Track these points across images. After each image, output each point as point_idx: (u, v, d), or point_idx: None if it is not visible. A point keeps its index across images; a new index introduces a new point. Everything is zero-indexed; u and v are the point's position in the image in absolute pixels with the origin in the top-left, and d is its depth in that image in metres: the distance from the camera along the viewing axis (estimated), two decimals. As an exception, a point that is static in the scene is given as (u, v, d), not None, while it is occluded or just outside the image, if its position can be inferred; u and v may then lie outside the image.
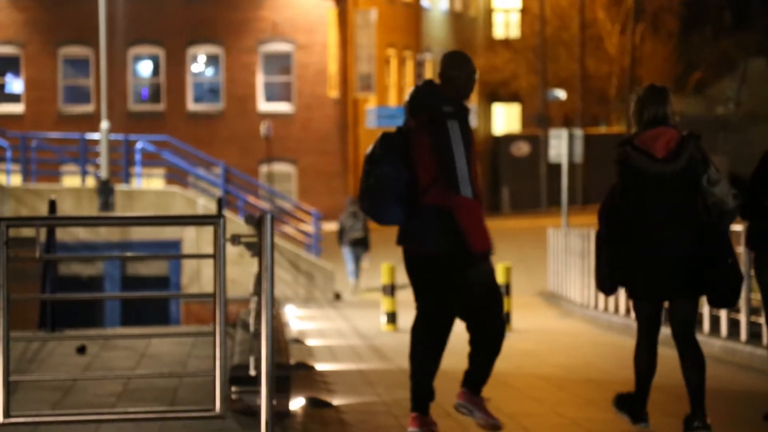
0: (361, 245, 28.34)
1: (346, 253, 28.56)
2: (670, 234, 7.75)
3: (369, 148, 7.54)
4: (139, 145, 32.34)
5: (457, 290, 7.45)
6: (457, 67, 7.39)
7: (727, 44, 51.88)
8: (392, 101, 49.55)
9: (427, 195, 7.31)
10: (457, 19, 55.04)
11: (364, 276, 28.93)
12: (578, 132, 33.87)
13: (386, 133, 7.42)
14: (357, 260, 28.47)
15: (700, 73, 53.31)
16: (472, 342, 7.64)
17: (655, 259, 7.76)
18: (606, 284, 7.95)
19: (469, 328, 7.59)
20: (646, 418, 8.07)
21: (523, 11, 57.42)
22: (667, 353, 11.46)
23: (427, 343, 7.54)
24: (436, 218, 7.34)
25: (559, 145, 31.77)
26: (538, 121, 52.51)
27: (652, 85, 7.97)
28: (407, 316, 19.33)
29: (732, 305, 7.97)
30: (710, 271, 7.76)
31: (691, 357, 7.94)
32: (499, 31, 58.41)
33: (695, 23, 54.42)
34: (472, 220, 7.29)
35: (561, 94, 52.96)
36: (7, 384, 7.72)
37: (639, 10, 53.91)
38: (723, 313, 14.72)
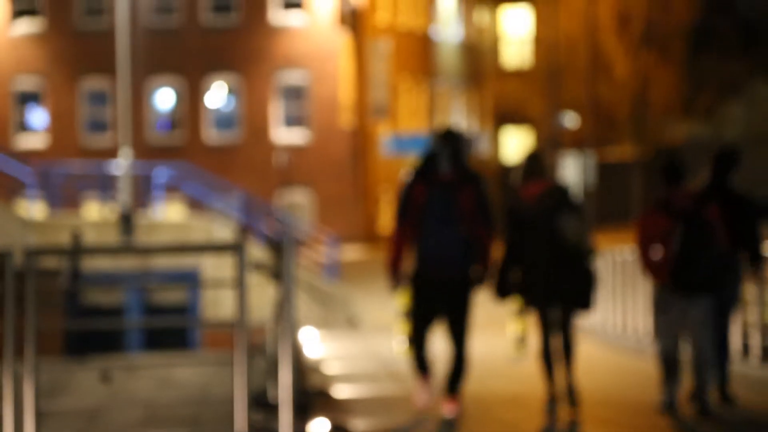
0: None
1: None
2: (540, 259, 10.36)
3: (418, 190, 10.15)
4: (159, 175, 32.67)
5: (456, 305, 9.97)
6: (464, 143, 10.18)
7: (735, 67, 52.07)
8: (405, 128, 49.84)
9: (461, 229, 9.93)
10: (469, 48, 55.34)
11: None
12: (590, 159, 34.09)
13: (430, 183, 10.09)
14: None
15: (709, 96, 53.47)
16: (453, 351, 10.04)
17: (532, 277, 10.39)
18: (500, 293, 10.54)
19: (453, 335, 10.04)
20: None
21: (534, 41, 57.68)
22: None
23: (423, 345, 10.12)
24: (464, 249, 9.94)
25: (571, 170, 32.07)
26: (550, 146, 52.75)
27: (531, 153, 10.69)
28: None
29: (586, 308, 10.49)
30: (570, 284, 10.38)
31: (567, 343, 10.52)
32: (510, 59, 58.68)
33: (703, 47, 54.61)
34: (492, 249, 10.17)
35: (572, 119, 53.20)
36: (37, 415, 7.95)
37: (647, 35, 54.17)
38: (736, 337, 14.85)
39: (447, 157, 10.00)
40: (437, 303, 9.90)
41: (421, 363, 10.10)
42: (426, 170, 10.03)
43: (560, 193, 10.41)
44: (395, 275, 9.94)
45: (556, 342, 10.47)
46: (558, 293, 10.34)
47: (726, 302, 10.92)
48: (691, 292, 10.30)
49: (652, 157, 51.13)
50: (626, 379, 14.06)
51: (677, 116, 54.24)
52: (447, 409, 9.86)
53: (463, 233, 9.85)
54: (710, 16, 53.67)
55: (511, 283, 10.43)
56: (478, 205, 9.92)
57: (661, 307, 10.45)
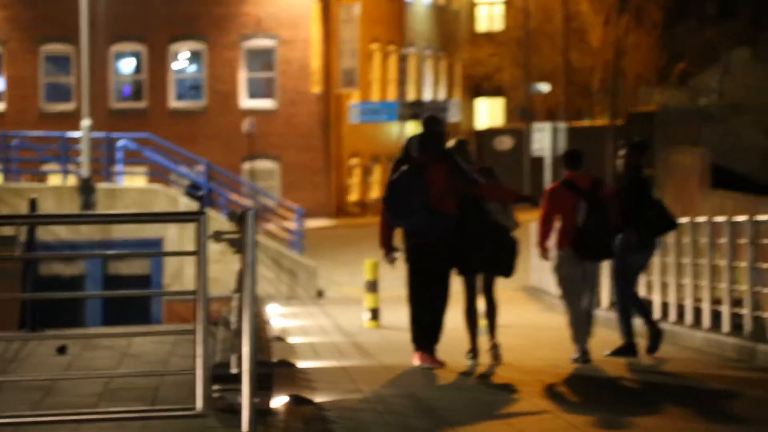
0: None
1: None
2: (469, 233, 11.96)
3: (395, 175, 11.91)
4: (120, 143, 32.23)
5: (442, 266, 11.81)
6: (441, 125, 12.09)
7: (711, 34, 51.92)
8: (375, 96, 49.47)
9: (440, 205, 11.71)
10: (441, 12, 54.97)
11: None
12: (561, 125, 33.91)
13: (407, 164, 11.90)
14: None
15: (684, 64, 53.28)
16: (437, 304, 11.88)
17: (469, 251, 12.01)
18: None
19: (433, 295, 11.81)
20: (477, 355, 12.51)
21: (507, 4, 57.37)
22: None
23: (428, 305, 11.81)
24: (443, 220, 11.70)
25: (543, 139, 31.89)
26: (522, 114, 52.48)
27: (458, 139, 12.48)
28: (389, 313, 19.30)
29: (507, 275, 12.35)
30: (493, 255, 12.17)
31: (491, 305, 12.51)
32: (482, 25, 58.37)
33: (679, 14, 54.40)
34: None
35: (544, 87, 52.94)
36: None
37: (623, 1, 53.87)
38: (706, 305, 14.74)
39: (417, 142, 11.83)
40: (429, 268, 11.59)
41: (423, 335, 11.63)
42: (405, 153, 11.85)
43: (484, 175, 12.20)
44: (387, 249, 11.82)
45: (481, 304, 12.35)
46: (483, 262, 12.12)
47: (633, 268, 12.90)
48: (589, 258, 12.40)
49: (624, 122, 50.94)
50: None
51: (652, 84, 54.03)
52: (416, 359, 11.76)
53: (438, 205, 11.59)
54: (686, -18, 53.48)
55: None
56: (455, 176, 11.70)
57: (563, 270, 12.48)
